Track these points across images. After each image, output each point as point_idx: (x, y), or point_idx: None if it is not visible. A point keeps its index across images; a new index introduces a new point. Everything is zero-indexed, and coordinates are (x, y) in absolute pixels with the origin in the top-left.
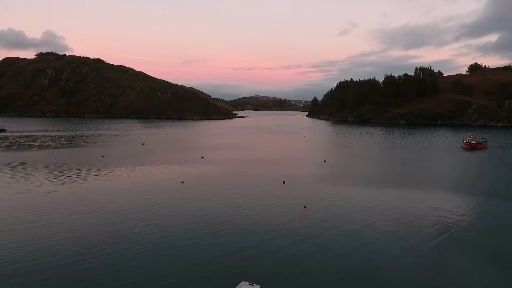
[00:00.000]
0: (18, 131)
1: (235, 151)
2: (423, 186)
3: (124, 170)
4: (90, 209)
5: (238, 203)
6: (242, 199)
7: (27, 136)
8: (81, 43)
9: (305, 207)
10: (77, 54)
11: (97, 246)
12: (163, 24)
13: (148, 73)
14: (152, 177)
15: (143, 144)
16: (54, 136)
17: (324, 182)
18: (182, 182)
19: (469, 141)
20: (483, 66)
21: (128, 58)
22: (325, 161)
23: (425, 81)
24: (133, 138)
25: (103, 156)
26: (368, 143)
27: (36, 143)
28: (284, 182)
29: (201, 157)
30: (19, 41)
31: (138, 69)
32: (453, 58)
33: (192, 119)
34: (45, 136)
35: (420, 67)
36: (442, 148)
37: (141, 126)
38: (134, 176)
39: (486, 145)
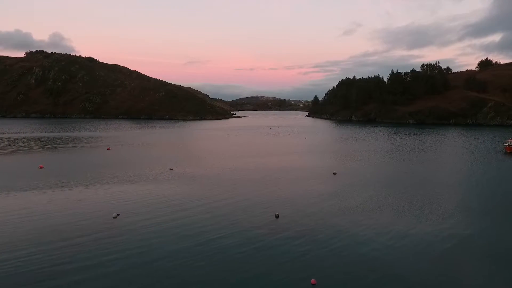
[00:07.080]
0: None
1: (218, 159)
2: (489, 213)
3: (51, 192)
4: None
5: (198, 265)
6: (206, 258)
7: None
8: (88, 45)
9: (313, 283)
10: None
11: None
12: (166, 26)
13: (151, 75)
14: (79, 206)
15: (108, 149)
16: (9, 139)
17: (340, 215)
18: (115, 217)
19: None
20: (494, 62)
21: (133, 59)
22: (335, 173)
23: (435, 77)
24: (103, 143)
25: (40, 167)
26: (385, 146)
27: None
28: (277, 216)
29: (170, 169)
30: (26, 42)
31: (142, 70)
32: (455, 57)
33: (185, 119)
34: None
35: (427, 64)
36: (478, 152)
37: (126, 127)
38: (55, 204)
39: None
